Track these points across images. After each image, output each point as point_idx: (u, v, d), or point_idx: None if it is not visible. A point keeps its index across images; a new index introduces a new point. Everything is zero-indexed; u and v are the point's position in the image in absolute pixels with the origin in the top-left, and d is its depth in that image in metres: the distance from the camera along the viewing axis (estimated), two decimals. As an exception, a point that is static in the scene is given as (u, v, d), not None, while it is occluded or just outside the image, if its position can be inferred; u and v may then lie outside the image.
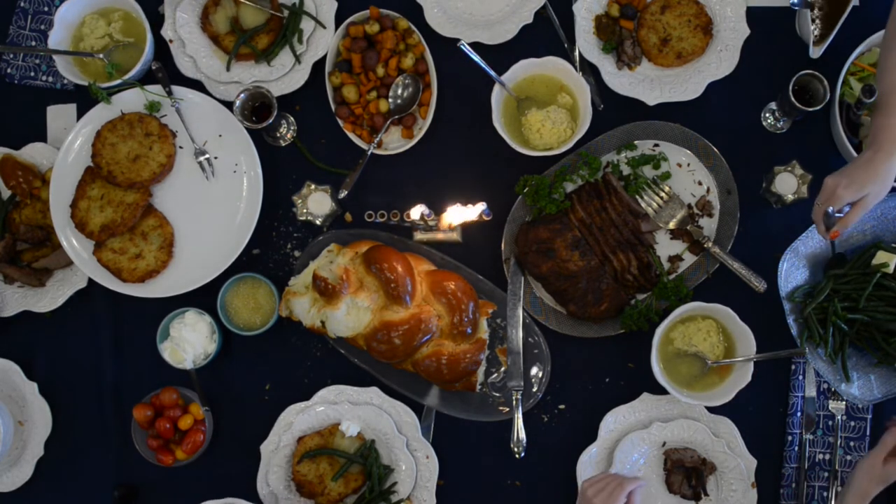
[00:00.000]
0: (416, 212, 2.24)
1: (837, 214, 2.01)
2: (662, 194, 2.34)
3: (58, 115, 2.46)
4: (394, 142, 2.41)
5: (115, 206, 2.28)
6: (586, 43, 2.38)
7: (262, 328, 2.30)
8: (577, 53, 2.41)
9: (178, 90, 2.34)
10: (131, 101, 2.33)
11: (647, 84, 2.36)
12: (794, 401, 2.30)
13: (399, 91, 2.37)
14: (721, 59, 2.34)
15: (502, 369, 2.32)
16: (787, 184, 2.30)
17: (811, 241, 2.22)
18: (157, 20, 2.41)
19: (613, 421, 2.28)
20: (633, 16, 2.40)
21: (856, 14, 2.34)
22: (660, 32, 2.38)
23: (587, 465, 2.26)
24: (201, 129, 2.35)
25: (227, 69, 2.38)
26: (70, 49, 2.38)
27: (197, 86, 2.39)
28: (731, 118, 2.40)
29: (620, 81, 2.36)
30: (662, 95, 2.34)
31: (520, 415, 2.25)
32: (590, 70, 2.41)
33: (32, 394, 2.34)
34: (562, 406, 2.35)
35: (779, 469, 2.30)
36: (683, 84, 2.35)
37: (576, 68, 2.38)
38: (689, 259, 2.34)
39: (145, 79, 2.39)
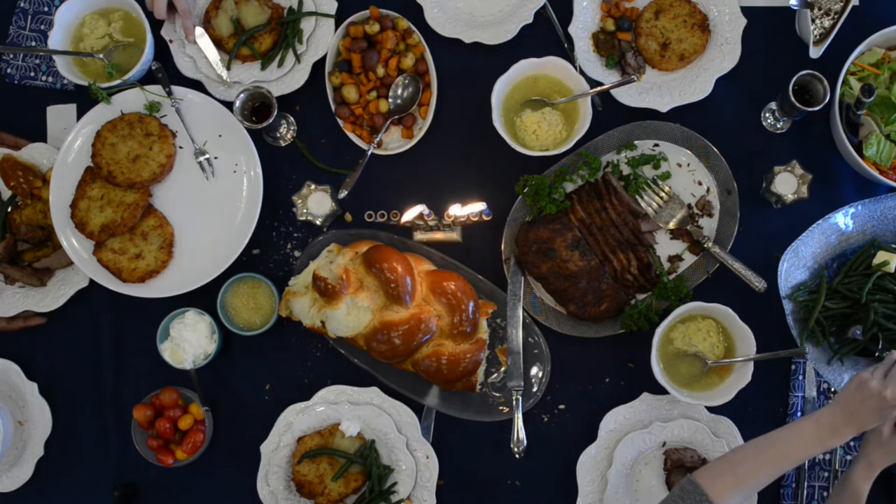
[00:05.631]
0: (416, 212, 2.24)
1: None
2: (662, 194, 2.34)
3: (58, 115, 2.46)
4: (394, 142, 2.41)
5: (115, 206, 2.28)
6: (588, 62, 2.37)
7: (262, 328, 2.30)
8: (578, 65, 2.38)
9: (178, 90, 2.34)
10: (131, 101, 2.33)
11: (656, 92, 2.35)
12: (794, 401, 2.30)
13: (399, 91, 2.37)
14: (724, 53, 2.34)
15: (502, 369, 2.32)
16: (787, 184, 2.30)
17: (811, 241, 2.22)
18: (157, 20, 2.40)
19: (613, 421, 2.28)
20: (629, 27, 2.39)
21: (856, 14, 2.34)
22: (658, 38, 2.38)
23: (587, 465, 2.26)
24: (201, 129, 2.35)
25: (228, 68, 2.38)
26: (70, 49, 2.38)
27: (197, 86, 2.39)
28: (731, 118, 2.40)
29: (630, 94, 2.34)
30: (674, 100, 2.33)
31: (520, 415, 2.25)
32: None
33: (32, 394, 2.34)
34: (562, 406, 2.35)
35: (779, 469, 2.30)
36: (691, 84, 2.35)
37: (576, 68, 2.37)
38: (689, 259, 2.34)
39: (145, 79, 2.39)
